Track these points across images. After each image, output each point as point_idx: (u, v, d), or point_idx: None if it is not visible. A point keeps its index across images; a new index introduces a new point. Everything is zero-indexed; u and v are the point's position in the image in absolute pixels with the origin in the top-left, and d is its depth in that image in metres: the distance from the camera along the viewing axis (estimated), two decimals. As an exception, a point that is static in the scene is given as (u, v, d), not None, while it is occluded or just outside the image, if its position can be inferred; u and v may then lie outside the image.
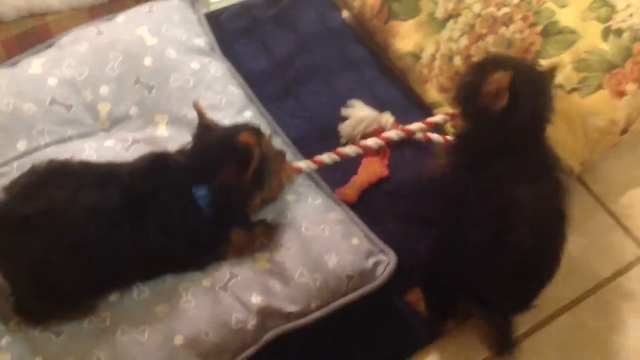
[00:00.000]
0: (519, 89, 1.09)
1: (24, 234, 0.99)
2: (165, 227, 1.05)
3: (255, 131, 1.12)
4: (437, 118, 1.34)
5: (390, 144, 1.32)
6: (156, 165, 1.09)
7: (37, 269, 1.00)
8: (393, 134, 1.31)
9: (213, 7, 1.54)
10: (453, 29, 1.42)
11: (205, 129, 1.12)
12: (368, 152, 1.31)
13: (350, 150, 1.28)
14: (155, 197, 1.05)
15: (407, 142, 1.36)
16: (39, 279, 1.01)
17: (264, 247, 1.15)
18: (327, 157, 1.26)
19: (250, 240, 1.14)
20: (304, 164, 1.24)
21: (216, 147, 1.09)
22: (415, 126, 1.33)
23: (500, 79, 1.08)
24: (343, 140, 1.37)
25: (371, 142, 1.29)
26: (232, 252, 1.14)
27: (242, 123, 1.17)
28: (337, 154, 1.27)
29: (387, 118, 1.36)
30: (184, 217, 1.07)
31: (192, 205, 1.07)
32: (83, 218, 1.00)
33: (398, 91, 1.46)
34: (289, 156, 1.26)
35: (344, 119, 1.38)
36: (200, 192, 1.07)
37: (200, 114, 1.12)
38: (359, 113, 1.37)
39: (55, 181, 1.03)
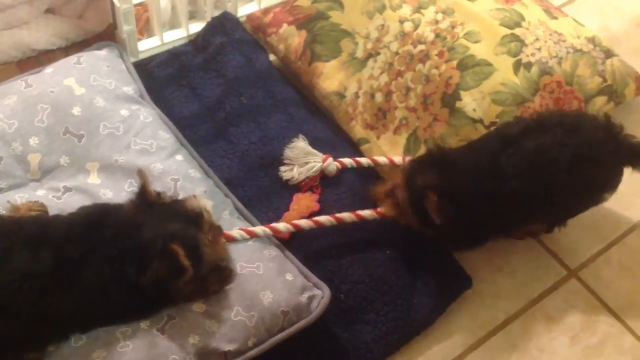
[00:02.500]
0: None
1: None
2: (95, 295, 1.05)
3: (191, 237, 1.07)
4: (366, 214, 1.31)
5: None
6: (90, 230, 1.07)
7: None
8: (324, 219, 1.30)
9: (142, 56, 1.57)
10: (373, 67, 1.48)
11: (145, 204, 1.09)
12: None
13: (282, 226, 1.28)
14: (87, 264, 1.04)
15: (338, 177, 1.41)
16: None
17: (217, 293, 1.16)
18: (260, 230, 1.26)
19: (203, 289, 1.14)
20: (236, 233, 1.24)
21: (152, 242, 1.04)
22: (345, 215, 1.31)
23: (430, 202, 1.17)
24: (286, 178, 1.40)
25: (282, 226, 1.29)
26: (183, 300, 1.13)
27: (187, 214, 1.11)
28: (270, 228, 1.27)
29: (331, 166, 1.40)
30: (116, 290, 1.05)
31: (121, 278, 1.05)
32: (13, 282, 1.00)
33: (326, 129, 1.50)
34: (219, 199, 1.30)
35: (277, 157, 1.42)
36: (131, 271, 1.05)
37: (143, 184, 1.10)
38: (302, 158, 1.40)
39: None
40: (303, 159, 1.40)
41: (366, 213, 1.31)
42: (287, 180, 1.39)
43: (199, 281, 1.10)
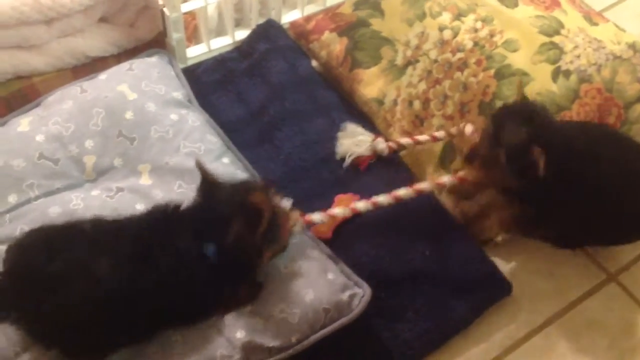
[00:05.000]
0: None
1: (49, 291, 1.05)
2: (173, 282, 1.09)
3: (264, 188, 1.15)
4: (446, 179, 1.33)
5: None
6: (165, 220, 1.14)
7: (60, 326, 1.06)
8: (382, 198, 1.33)
9: (190, 62, 1.62)
10: (412, 74, 1.51)
11: (210, 185, 1.15)
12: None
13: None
14: (164, 252, 1.09)
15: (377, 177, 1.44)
16: (60, 336, 1.08)
17: (244, 306, 1.20)
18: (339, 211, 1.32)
19: (235, 301, 1.19)
20: (317, 216, 1.30)
21: (226, 204, 1.11)
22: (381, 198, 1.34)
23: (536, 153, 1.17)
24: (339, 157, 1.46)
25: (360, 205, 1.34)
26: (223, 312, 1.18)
27: (248, 180, 1.22)
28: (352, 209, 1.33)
29: (381, 145, 1.44)
30: (193, 272, 1.11)
31: (201, 261, 1.11)
32: (101, 275, 1.06)
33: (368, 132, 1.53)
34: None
35: (319, 160, 1.46)
36: (211, 249, 1.11)
37: (204, 171, 1.16)
38: (353, 137, 1.45)
39: (70, 240, 1.10)
40: (353, 138, 1.45)
41: (402, 192, 1.33)
42: (342, 159, 1.44)
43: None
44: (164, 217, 1.14)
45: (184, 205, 1.15)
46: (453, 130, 1.42)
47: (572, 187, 1.23)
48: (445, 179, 1.33)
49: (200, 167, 1.15)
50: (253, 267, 1.18)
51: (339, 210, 1.32)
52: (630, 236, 1.38)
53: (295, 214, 1.24)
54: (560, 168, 1.20)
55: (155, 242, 1.10)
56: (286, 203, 1.22)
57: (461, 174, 1.33)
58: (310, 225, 1.30)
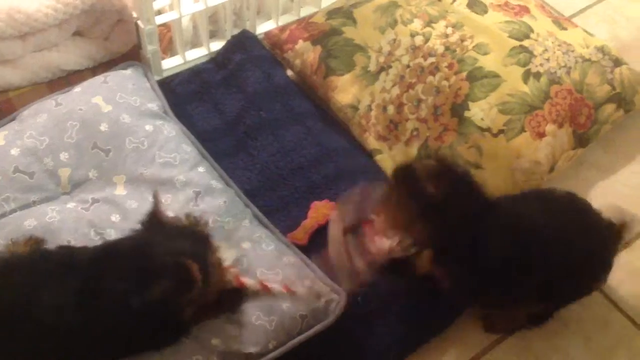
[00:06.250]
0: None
1: None
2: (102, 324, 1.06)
3: (206, 245, 1.10)
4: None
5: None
6: (104, 258, 1.10)
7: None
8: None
9: (166, 74, 1.63)
10: (385, 80, 1.53)
11: (156, 223, 1.11)
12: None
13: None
14: (96, 292, 1.06)
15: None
16: None
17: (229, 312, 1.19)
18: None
19: (217, 309, 1.18)
20: (251, 281, 1.24)
21: (163, 256, 1.05)
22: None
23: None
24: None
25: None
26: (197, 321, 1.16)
27: (192, 230, 1.13)
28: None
29: None
30: (118, 316, 1.06)
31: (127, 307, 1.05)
32: (46, 312, 1.04)
33: (343, 140, 1.55)
34: (239, 208, 1.35)
35: (295, 168, 1.47)
36: (135, 300, 1.04)
37: (157, 205, 1.12)
38: None
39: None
40: None
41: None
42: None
43: (205, 304, 1.12)
44: (104, 254, 1.10)
45: (127, 242, 1.11)
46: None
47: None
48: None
49: (156, 198, 1.12)
50: (179, 324, 1.13)
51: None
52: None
53: (230, 273, 1.19)
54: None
55: (91, 281, 1.06)
56: (225, 255, 1.17)
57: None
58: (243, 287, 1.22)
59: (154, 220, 1.11)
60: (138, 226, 1.11)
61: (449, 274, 1.20)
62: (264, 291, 1.22)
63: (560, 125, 1.46)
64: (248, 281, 1.23)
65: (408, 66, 1.52)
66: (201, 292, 1.05)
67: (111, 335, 1.07)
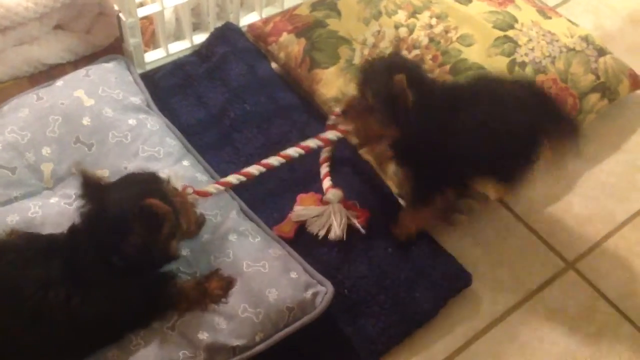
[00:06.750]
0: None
1: None
2: (93, 297, 1.08)
3: (158, 184, 1.12)
4: (330, 135, 1.42)
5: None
6: (71, 237, 1.12)
7: None
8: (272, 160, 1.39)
9: (149, 67, 1.62)
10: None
11: (97, 189, 1.11)
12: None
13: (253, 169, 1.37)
14: (78, 269, 1.08)
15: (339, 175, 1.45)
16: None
17: (219, 299, 1.20)
18: (233, 178, 1.35)
19: (202, 294, 1.19)
20: (211, 187, 1.32)
21: (121, 212, 1.07)
22: (311, 142, 1.42)
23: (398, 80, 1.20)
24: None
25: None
26: (183, 307, 1.18)
27: (135, 174, 1.17)
28: (243, 174, 1.37)
29: None
30: (109, 284, 1.10)
31: (110, 270, 1.09)
32: (31, 291, 1.05)
33: (328, 132, 1.55)
34: (226, 201, 1.35)
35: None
36: (114, 258, 1.09)
37: (86, 175, 1.11)
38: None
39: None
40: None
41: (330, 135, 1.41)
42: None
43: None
44: (73, 232, 1.12)
45: (82, 215, 1.11)
46: (332, 119, 1.46)
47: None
48: (330, 135, 1.41)
49: (82, 172, 1.11)
50: (165, 260, 1.16)
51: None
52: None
53: (192, 195, 1.24)
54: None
55: (69, 260, 1.09)
56: (176, 182, 1.19)
57: (341, 127, 1.40)
58: (206, 196, 1.31)
59: (92, 186, 1.11)
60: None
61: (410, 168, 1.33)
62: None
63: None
64: (209, 188, 1.31)
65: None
66: (174, 222, 1.10)
67: (101, 315, 1.09)
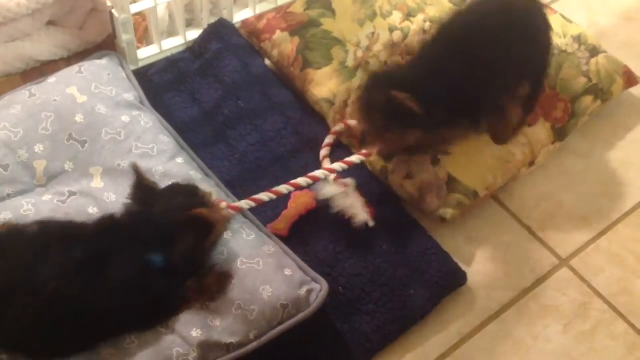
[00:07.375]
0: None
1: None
2: (120, 289, 1.10)
3: (202, 196, 1.18)
4: (354, 158, 1.41)
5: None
6: (111, 228, 1.15)
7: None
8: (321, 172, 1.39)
9: (142, 63, 1.61)
10: (362, 77, 1.51)
11: (147, 191, 1.18)
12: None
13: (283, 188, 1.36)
14: (110, 260, 1.10)
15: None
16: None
17: (217, 295, 1.20)
18: (264, 196, 1.34)
19: (203, 291, 1.19)
20: (243, 203, 1.33)
21: (171, 215, 1.13)
22: (336, 165, 1.41)
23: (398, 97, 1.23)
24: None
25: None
26: (186, 306, 1.18)
27: (181, 185, 1.23)
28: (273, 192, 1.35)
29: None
30: (139, 280, 1.12)
31: (147, 268, 1.13)
32: (50, 280, 1.06)
33: (321, 130, 1.53)
34: (221, 196, 1.34)
35: (274, 158, 1.47)
36: (157, 259, 1.13)
37: (139, 175, 1.18)
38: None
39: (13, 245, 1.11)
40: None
41: (354, 158, 1.41)
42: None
43: (199, 282, 1.18)
44: (110, 224, 1.15)
45: (125, 212, 1.17)
46: (338, 128, 1.49)
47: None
48: (354, 158, 1.41)
49: (137, 171, 1.17)
50: (199, 267, 1.20)
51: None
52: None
53: (225, 209, 1.28)
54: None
55: (101, 250, 1.11)
56: (210, 193, 1.24)
57: (364, 151, 1.41)
58: (238, 211, 1.33)
59: (142, 188, 1.17)
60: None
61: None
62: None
63: (532, 123, 1.49)
64: (241, 203, 1.33)
65: (385, 63, 1.51)
66: (220, 232, 1.20)
67: (118, 307, 1.11)
